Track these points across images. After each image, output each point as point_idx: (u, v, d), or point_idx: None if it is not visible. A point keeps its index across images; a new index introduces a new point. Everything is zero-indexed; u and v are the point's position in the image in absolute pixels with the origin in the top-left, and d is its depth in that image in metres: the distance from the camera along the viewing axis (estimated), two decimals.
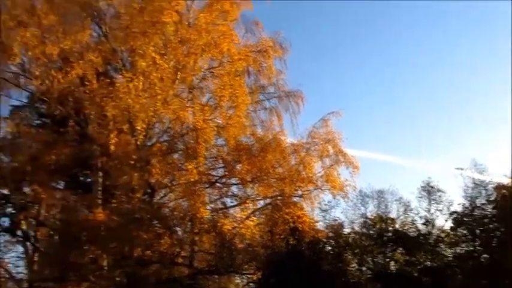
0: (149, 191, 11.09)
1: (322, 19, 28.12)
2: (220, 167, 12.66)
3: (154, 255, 11.35)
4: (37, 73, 10.30)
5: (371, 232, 12.44)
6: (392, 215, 12.77)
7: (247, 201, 11.36)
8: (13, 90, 11.88)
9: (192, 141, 10.57)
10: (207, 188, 11.78)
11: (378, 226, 12.38)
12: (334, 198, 12.69)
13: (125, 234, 10.24)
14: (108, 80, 10.12)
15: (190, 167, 10.11)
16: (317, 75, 26.96)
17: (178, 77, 11.53)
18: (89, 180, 13.77)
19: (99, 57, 10.11)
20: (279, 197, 12.21)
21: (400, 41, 27.09)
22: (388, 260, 12.40)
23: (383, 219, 12.48)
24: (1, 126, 11.24)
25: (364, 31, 28.21)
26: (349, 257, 12.42)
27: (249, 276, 12.43)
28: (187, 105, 11.11)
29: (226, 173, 12.24)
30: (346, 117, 13.71)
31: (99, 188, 11.90)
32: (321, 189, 12.46)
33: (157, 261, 11.32)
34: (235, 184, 12.32)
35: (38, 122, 13.56)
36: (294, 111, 14.37)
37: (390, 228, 12.42)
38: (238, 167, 11.99)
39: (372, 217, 12.65)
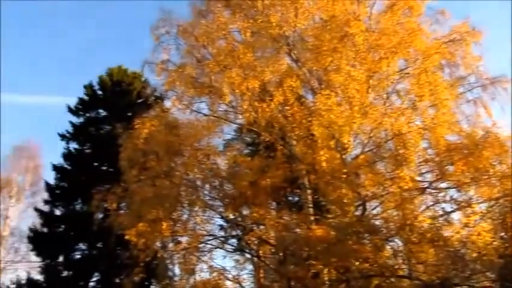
0: (360, 203, 11.02)
1: None
2: (428, 171, 11.88)
3: (373, 268, 11.15)
4: (245, 107, 11.44)
5: None
6: None
7: (471, 205, 10.25)
8: (224, 126, 13.58)
9: (398, 147, 10.18)
10: (419, 194, 11.15)
11: None
12: None
13: (343, 249, 10.33)
14: (307, 101, 10.66)
15: (402, 174, 9.72)
16: None
17: (371, 85, 11.44)
18: (297, 198, 14.60)
19: (297, 81, 10.73)
20: (505, 198, 10.75)
21: None
22: None
23: None
24: (221, 159, 12.75)
25: None
26: None
27: None
28: (387, 111, 10.83)
29: (438, 177, 11.37)
30: None
31: (310, 205, 12.45)
32: None
33: (378, 275, 11.10)
34: (449, 188, 11.38)
35: (247, 151, 15.11)
36: (502, 99, 12.83)
37: None
38: (451, 168, 11.05)
39: None
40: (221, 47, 12.26)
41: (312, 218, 12.03)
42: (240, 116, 12.66)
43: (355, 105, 10.46)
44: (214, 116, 12.70)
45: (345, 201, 10.68)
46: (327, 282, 11.47)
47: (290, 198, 15.10)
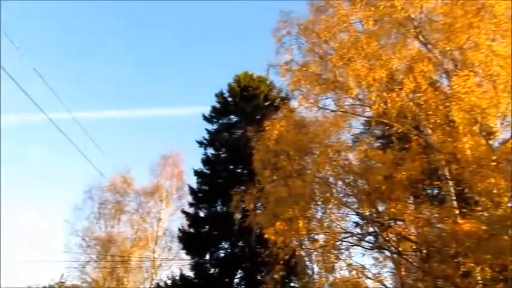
0: None
1: None
2: None
3: None
4: (372, 99, 11.02)
5: None
6: None
7: None
8: (352, 120, 13.25)
9: None
10: None
11: None
12: None
13: (498, 244, 9.27)
14: (442, 85, 9.85)
15: None
16: None
17: None
18: (437, 191, 13.55)
19: (429, 65, 9.98)
20: None
21: None
22: None
23: None
24: (352, 155, 12.47)
25: None
26: None
27: None
28: None
29: None
30: None
31: (453, 198, 11.46)
32: None
33: None
34: None
35: (377, 144, 14.54)
36: None
37: None
38: None
39: None
40: (343, 40, 11.99)
41: (457, 211, 11.06)
42: (368, 109, 12.23)
43: (500, 83, 9.33)
44: (341, 111, 12.46)
45: (496, 191, 9.60)
46: (480, 282, 10.43)
47: (429, 191, 14.10)
